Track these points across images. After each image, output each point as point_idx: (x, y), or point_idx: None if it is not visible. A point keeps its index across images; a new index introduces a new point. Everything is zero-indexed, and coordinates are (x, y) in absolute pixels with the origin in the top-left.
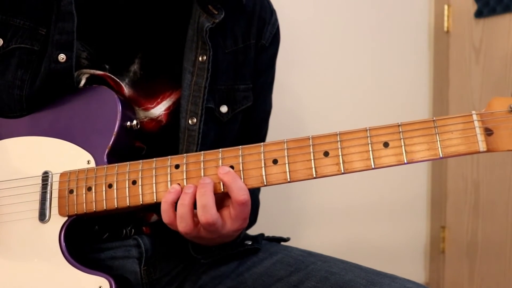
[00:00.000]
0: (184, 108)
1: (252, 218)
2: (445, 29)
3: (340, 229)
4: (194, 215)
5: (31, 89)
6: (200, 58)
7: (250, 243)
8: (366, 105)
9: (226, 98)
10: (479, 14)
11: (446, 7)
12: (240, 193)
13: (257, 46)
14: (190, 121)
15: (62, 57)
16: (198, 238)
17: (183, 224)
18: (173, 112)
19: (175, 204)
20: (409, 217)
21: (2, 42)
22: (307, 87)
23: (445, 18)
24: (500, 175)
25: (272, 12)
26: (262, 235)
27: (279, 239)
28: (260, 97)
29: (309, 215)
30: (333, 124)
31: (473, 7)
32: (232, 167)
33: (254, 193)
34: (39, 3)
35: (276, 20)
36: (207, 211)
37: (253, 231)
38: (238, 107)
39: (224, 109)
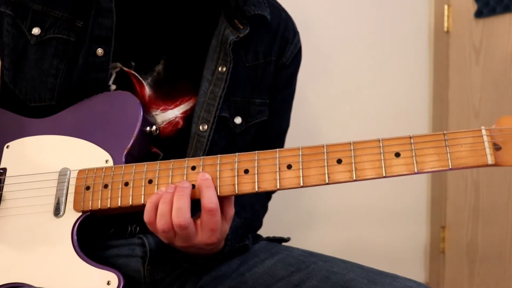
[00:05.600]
0: (197, 114)
1: (244, 234)
2: (445, 29)
3: (341, 229)
4: None
5: (65, 79)
6: (219, 69)
7: (236, 244)
8: (366, 105)
9: (241, 109)
10: (479, 14)
11: (446, 7)
12: (209, 200)
13: (278, 63)
14: (201, 127)
15: (100, 51)
16: (173, 241)
17: (162, 222)
18: (189, 116)
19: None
20: (409, 217)
21: (39, 30)
22: (308, 87)
23: (445, 18)
24: (500, 175)
25: (295, 34)
26: (257, 235)
27: (280, 239)
28: (276, 114)
29: (310, 216)
30: (333, 124)
31: (473, 7)
32: (247, 170)
33: (258, 212)
34: None
35: (298, 41)
36: (181, 214)
37: None
38: (252, 120)
39: (238, 120)
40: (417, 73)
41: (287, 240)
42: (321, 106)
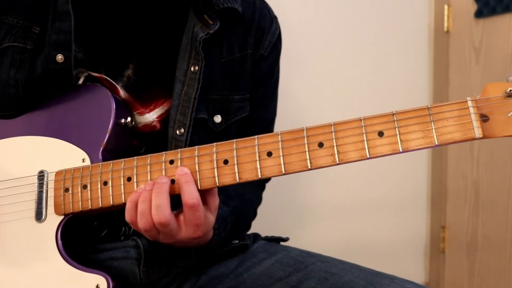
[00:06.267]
0: (172, 118)
1: (244, 225)
2: (445, 29)
3: (340, 230)
4: None
5: (27, 88)
6: (192, 68)
7: (237, 241)
8: (366, 105)
9: (220, 107)
10: (479, 14)
11: (446, 7)
12: (190, 196)
13: (255, 56)
14: (177, 131)
15: (60, 57)
16: (158, 239)
17: (143, 221)
18: (165, 120)
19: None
20: (409, 217)
21: None
22: (308, 88)
23: (445, 18)
24: (500, 174)
25: (272, 21)
26: (256, 234)
27: (278, 239)
28: (260, 105)
29: (308, 216)
30: None
31: (473, 7)
32: (226, 161)
33: (250, 200)
34: (33, 1)
35: (276, 28)
36: (161, 211)
37: (252, 230)
38: (232, 117)
39: (218, 119)
40: (417, 73)
41: (285, 240)
42: (321, 107)
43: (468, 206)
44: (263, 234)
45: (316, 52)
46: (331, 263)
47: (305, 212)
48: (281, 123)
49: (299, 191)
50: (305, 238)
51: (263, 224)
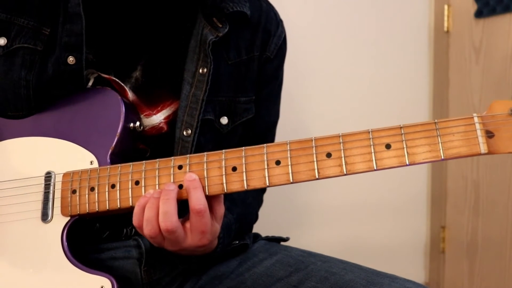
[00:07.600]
0: (180, 119)
1: (245, 228)
2: (445, 29)
3: (340, 229)
4: None
5: (38, 89)
6: (200, 70)
7: (237, 242)
8: (366, 105)
9: (227, 109)
10: (479, 14)
11: (446, 7)
12: (197, 202)
13: (261, 58)
14: (184, 132)
15: (71, 59)
16: (163, 246)
17: (149, 227)
18: (172, 121)
19: None
20: (409, 217)
21: (6, 41)
22: (307, 88)
23: (445, 18)
24: (500, 175)
25: (278, 24)
26: (256, 234)
27: (279, 239)
28: (264, 107)
29: (309, 216)
30: (333, 124)
31: (473, 7)
32: (235, 168)
33: (252, 205)
34: (44, 3)
35: (282, 31)
36: (168, 218)
37: (252, 230)
38: (238, 119)
39: (224, 120)
40: (417, 73)
41: (286, 239)
42: (321, 108)
43: (468, 206)
44: (263, 234)
45: (315, 52)
46: (331, 263)
47: (305, 212)
48: (281, 123)
49: (299, 192)
50: (306, 238)
51: (264, 224)
